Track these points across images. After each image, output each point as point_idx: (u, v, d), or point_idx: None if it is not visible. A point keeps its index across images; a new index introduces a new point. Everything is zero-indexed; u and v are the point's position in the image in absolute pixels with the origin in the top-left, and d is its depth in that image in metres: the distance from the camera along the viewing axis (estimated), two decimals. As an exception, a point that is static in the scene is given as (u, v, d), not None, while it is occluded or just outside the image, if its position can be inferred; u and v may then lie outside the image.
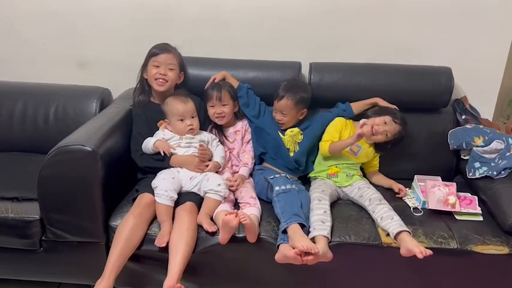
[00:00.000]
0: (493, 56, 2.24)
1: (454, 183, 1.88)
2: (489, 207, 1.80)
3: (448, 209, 1.78)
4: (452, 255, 1.64)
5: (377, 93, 2.10)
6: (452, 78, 2.10)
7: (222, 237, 1.66)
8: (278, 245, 1.65)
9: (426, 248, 1.59)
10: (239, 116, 2.12)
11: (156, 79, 1.99)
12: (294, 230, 1.62)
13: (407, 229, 1.64)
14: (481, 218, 1.78)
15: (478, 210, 1.80)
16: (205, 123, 2.06)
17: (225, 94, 2.00)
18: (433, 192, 1.82)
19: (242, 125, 2.10)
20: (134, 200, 1.80)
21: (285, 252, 1.59)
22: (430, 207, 1.80)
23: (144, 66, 2.04)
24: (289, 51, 2.27)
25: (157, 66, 1.99)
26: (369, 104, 2.08)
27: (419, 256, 1.52)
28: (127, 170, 1.93)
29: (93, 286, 1.84)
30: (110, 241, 1.74)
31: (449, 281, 1.67)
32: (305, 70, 2.22)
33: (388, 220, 1.68)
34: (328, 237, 1.65)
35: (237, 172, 2.01)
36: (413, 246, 1.55)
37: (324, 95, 2.12)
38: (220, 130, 2.07)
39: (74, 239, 1.76)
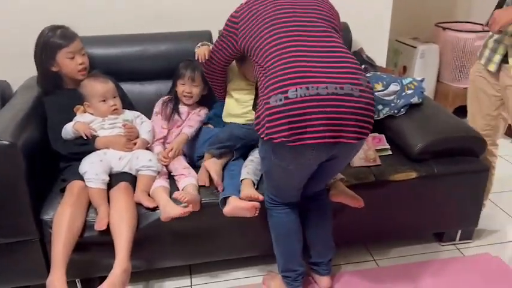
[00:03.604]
0: (381, 9, 2.51)
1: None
2: (395, 142, 2.04)
3: (370, 163, 1.92)
4: (372, 188, 1.85)
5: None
6: (350, 32, 2.30)
7: (164, 217, 1.69)
8: (223, 199, 1.72)
9: (350, 185, 1.81)
10: (203, 102, 2.11)
11: (79, 71, 1.90)
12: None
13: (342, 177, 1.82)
14: (390, 152, 2.02)
15: (387, 145, 2.04)
16: (125, 101, 2.01)
17: (198, 75, 2.00)
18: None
19: (199, 110, 2.08)
20: (62, 190, 1.73)
21: (238, 204, 1.68)
22: (355, 165, 1.91)
23: (49, 60, 1.87)
24: (197, 20, 2.28)
25: (72, 58, 1.88)
26: None
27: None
28: (50, 160, 1.83)
29: (32, 286, 1.77)
30: (45, 236, 1.67)
31: (371, 212, 1.89)
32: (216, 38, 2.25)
33: None
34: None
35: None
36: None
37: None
38: (176, 104, 2.04)
39: (3, 241, 1.65)
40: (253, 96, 1.87)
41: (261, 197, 1.70)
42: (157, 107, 2.08)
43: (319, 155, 1.44)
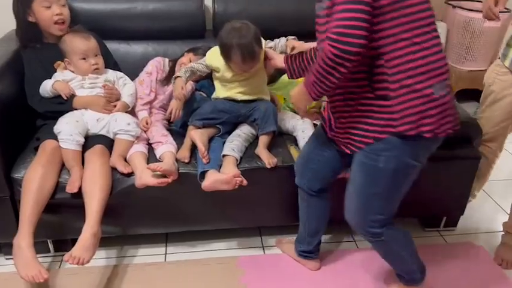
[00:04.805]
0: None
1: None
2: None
3: None
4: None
5: (283, 20, 2.12)
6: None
7: (139, 184, 1.64)
8: (202, 173, 1.66)
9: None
10: None
11: (55, 23, 1.79)
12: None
13: None
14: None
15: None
16: (109, 60, 1.92)
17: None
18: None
19: None
20: (36, 149, 1.67)
21: (217, 177, 1.63)
22: None
23: (25, 8, 1.78)
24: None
25: (49, 7, 1.78)
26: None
27: None
28: (25, 117, 1.77)
29: (4, 244, 1.75)
30: (15, 194, 1.63)
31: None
32: (208, 0, 2.15)
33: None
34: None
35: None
36: None
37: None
38: (173, 71, 1.95)
39: (-28, 197, 1.61)
40: (240, 85, 1.78)
41: (244, 181, 1.65)
42: (150, 67, 1.97)
43: None
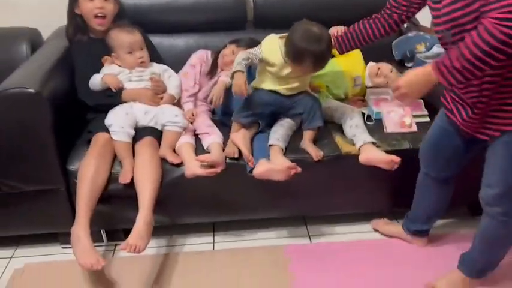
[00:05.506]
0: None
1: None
2: (434, 108, 1.91)
3: (405, 130, 1.84)
4: (405, 156, 1.75)
5: (323, 9, 2.10)
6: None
7: (188, 174, 1.68)
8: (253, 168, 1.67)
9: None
10: None
11: (95, 16, 1.83)
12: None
13: (374, 140, 1.73)
14: (428, 119, 1.90)
15: (425, 111, 1.92)
16: (153, 54, 1.96)
17: None
18: (390, 117, 1.87)
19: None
20: (89, 141, 1.72)
21: (271, 166, 1.63)
22: (388, 131, 1.84)
23: (74, 1, 1.86)
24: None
25: (91, 0, 1.82)
26: None
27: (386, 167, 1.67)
28: (77, 111, 1.82)
29: (61, 234, 1.82)
30: (70, 186, 1.69)
31: (403, 181, 1.80)
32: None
33: (360, 129, 1.76)
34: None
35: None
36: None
37: (270, 14, 2.08)
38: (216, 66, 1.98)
39: (30, 189, 1.67)
40: (292, 81, 1.72)
41: (299, 169, 1.64)
42: (194, 59, 1.99)
43: None
